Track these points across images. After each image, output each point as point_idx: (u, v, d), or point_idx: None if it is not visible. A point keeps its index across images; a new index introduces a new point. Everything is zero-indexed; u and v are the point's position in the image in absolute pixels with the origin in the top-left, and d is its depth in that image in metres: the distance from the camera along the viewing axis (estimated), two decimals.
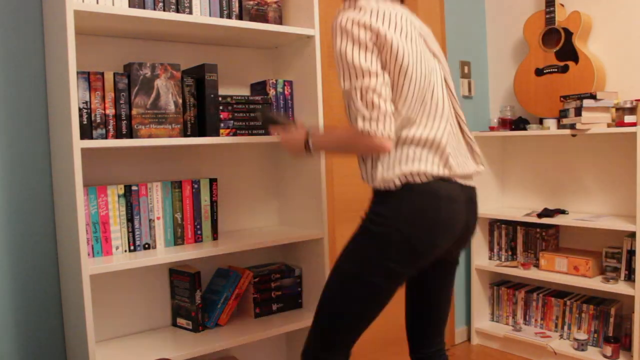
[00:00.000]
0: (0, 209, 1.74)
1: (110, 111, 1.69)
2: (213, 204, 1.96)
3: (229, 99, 1.94)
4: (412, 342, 1.66)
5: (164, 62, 1.78)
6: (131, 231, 1.79)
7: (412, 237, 1.36)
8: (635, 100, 2.43)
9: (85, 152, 1.84)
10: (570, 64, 2.65)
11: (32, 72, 1.79)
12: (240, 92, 2.21)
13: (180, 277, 1.95)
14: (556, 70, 2.70)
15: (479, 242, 3.04)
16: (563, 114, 2.56)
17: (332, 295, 1.45)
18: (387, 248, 1.37)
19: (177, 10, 1.80)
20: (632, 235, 2.49)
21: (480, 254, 3.05)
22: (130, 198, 1.79)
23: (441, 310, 1.61)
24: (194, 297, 1.90)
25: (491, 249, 3.08)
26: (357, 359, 2.58)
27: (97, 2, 1.63)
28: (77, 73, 1.63)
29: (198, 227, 1.93)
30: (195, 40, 2.03)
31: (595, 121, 2.48)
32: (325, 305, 1.47)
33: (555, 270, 2.72)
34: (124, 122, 1.71)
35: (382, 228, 1.38)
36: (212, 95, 1.86)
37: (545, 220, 2.69)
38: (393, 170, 1.39)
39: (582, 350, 2.59)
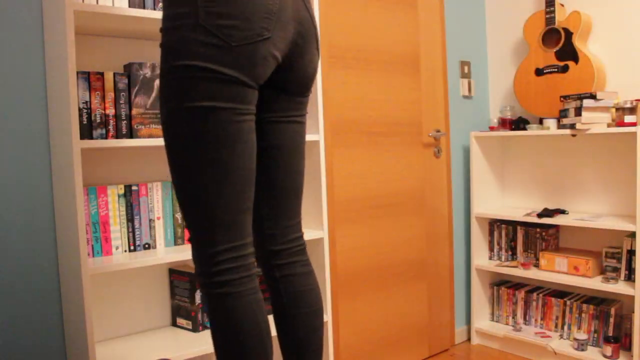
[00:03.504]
0: (0, 208, 1.74)
1: (110, 111, 1.69)
2: None
3: None
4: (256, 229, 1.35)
5: None
6: (131, 231, 1.79)
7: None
8: (635, 100, 2.43)
9: (85, 152, 1.84)
10: (570, 64, 2.65)
11: (32, 72, 1.79)
12: None
13: (180, 277, 1.95)
14: (556, 70, 2.70)
15: (479, 242, 3.04)
16: (563, 114, 2.56)
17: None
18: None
19: None
20: (632, 235, 2.49)
21: (480, 254, 3.05)
22: (130, 198, 1.79)
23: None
24: (194, 297, 1.90)
25: (491, 249, 3.08)
26: (357, 359, 2.58)
27: (97, 2, 1.63)
28: (77, 73, 1.63)
29: None
30: None
31: (595, 121, 2.48)
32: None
33: (555, 270, 2.72)
34: (124, 122, 1.71)
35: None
36: None
37: (545, 220, 2.69)
38: None
39: (582, 350, 2.59)
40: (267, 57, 1.13)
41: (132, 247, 1.79)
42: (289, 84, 1.28)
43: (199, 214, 1.12)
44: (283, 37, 1.17)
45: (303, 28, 1.24)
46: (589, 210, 2.81)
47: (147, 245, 1.83)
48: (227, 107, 1.09)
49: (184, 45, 1.07)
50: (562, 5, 2.75)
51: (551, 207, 2.95)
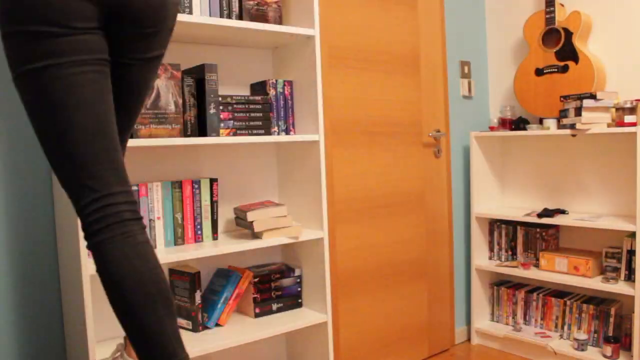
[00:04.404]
0: (0, 209, 1.74)
1: None
2: (213, 204, 1.96)
3: (229, 99, 1.94)
4: None
5: (164, 62, 1.78)
6: None
7: None
8: (635, 100, 2.43)
9: None
10: (570, 64, 2.65)
11: None
12: (240, 92, 2.21)
13: (180, 277, 1.95)
14: (556, 70, 2.70)
15: (479, 242, 3.04)
16: (563, 114, 2.56)
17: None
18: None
19: None
20: (632, 235, 2.49)
21: (480, 254, 3.05)
22: None
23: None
24: (194, 297, 1.90)
25: (491, 249, 3.08)
26: (357, 359, 2.58)
27: None
28: None
29: (198, 227, 1.93)
30: (195, 40, 2.03)
31: (595, 121, 2.48)
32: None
33: (555, 270, 2.72)
34: None
35: None
36: (212, 95, 1.86)
37: (545, 220, 2.69)
38: None
39: (582, 350, 2.59)
40: (68, 2, 1.08)
41: None
42: (134, 20, 1.21)
43: (60, 173, 1.14)
44: None
45: None
46: (589, 210, 2.81)
47: None
48: (43, 65, 1.07)
49: None
50: (562, 5, 2.75)
51: (551, 207, 2.95)
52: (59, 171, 1.14)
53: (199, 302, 1.91)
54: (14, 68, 1.10)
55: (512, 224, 2.99)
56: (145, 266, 1.14)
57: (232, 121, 1.95)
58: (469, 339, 3.14)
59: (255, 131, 2.00)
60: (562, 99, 2.58)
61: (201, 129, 1.88)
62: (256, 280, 2.06)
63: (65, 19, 1.07)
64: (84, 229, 1.15)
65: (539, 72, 2.77)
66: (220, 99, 1.91)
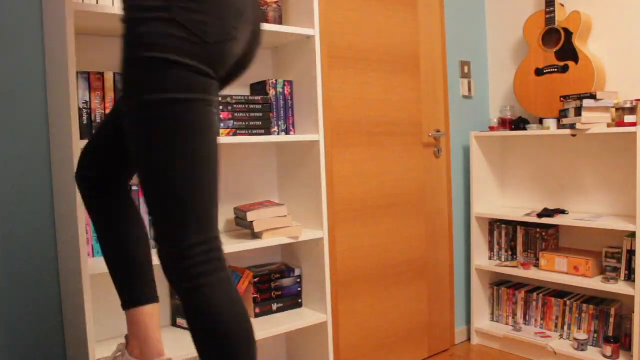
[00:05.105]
0: (0, 209, 1.74)
1: None
2: None
3: (229, 99, 1.94)
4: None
5: None
6: None
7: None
8: (635, 100, 2.43)
9: None
10: (570, 64, 2.65)
11: (32, 72, 1.78)
12: (240, 92, 2.21)
13: None
14: (556, 70, 2.70)
15: (479, 242, 3.04)
16: (563, 114, 2.56)
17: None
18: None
19: None
20: (632, 235, 2.49)
21: (480, 254, 3.05)
22: None
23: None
24: None
25: (491, 249, 3.08)
26: (357, 359, 2.58)
27: (97, 2, 1.63)
28: (77, 73, 1.63)
29: None
30: None
31: (595, 121, 2.48)
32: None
33: (555, 270, 2.72)
34: None
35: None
36: None
37: (545, 220, 2.69)
38: None
39: (582, 350, 2.59)
40: (232, 56, 1.16)
41: None
42: (233, 77, 1.31)
43: (168, 209, 1.09)
44: (244, 37, 1.19)
45: (257, 28, 1.26)
46: (589, 210, 2.81)
47: None
48: (201, 98, 1.09)
49: (158, 38, 1.05)
50: (562, 5, 2.75)
51: (551, 207, 2.95)
52: (167, 206, 1.09)
53: None
54: (158, 92, 1.06)
55: (512, 224, 2.99)
56: (244, 313, 1.14)
57: (232, 121, 1.94)
58: (469, 339, 3.14)
59: (255, 131, 2.00)
60: (562, 99, 2.58)
61: None
62: (256, 280, 2.06)
63: (224, 67, 1.14)
64: (184, 269, 1.10)
65: (539, 72, 2.77)
66: (220, 99, 1.91)
